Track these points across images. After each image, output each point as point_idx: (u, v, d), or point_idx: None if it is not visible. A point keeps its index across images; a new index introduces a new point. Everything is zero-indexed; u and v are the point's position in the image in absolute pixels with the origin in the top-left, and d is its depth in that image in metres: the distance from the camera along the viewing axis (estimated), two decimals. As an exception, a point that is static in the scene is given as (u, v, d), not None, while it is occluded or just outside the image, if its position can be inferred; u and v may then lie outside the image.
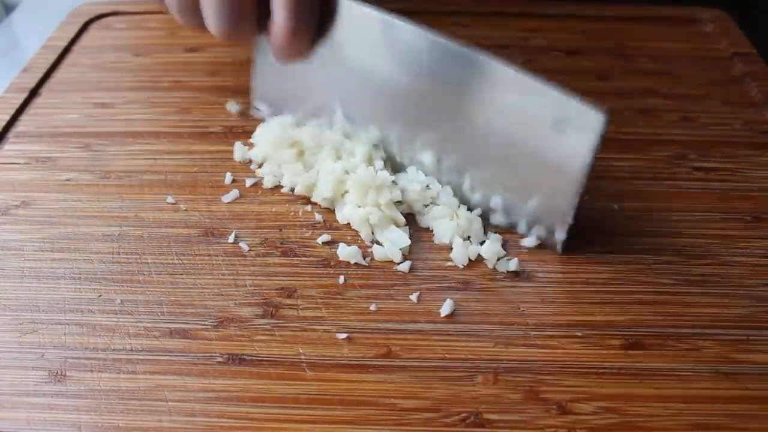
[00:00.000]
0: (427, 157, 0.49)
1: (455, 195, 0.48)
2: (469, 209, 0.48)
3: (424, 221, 0.48)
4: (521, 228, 0.47)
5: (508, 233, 0.47)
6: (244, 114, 0.58)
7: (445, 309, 0.42)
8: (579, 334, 0.41)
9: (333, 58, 0.47)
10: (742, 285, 0.44)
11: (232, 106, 0.58)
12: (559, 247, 0.45)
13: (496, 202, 0.47)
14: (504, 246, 0.46)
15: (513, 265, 0.44)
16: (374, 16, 0.44)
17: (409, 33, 0.44)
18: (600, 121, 0.40)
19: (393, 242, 0.46)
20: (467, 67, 0.44)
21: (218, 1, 0.43)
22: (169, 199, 0.50)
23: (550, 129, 0.42)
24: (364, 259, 0.45)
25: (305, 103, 0.52)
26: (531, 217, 0.46)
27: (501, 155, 0.45)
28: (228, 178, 0.51)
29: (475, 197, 0.48)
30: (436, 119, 0.47)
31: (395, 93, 0.47)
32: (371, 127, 0.50)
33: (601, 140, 0.41)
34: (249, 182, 0.51)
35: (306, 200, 0.50)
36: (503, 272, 0.44)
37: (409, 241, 0.46)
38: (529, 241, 0.46)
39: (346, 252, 0.45)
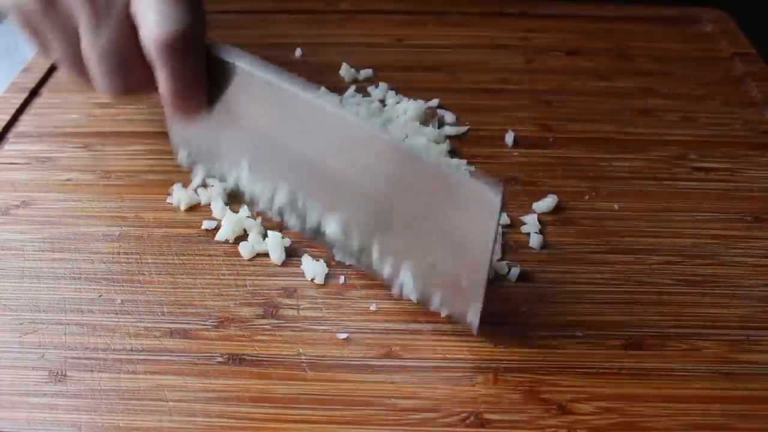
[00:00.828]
0: (332, 226, 0.44)
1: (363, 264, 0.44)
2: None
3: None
4: (434, 305, 0.42)
5: (508, 233, 0.47)
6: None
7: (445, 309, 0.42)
8: (579, 334, 0.41)
9: (229, 117, 0.45)
10: (742, 285, 0.44)
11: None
12: (474, 329, 0.40)
13: (406, 275, 0.42)
14: (504, 248, 0.46)
15: (514, 273, 0.44)
16: (261, 78, 0.42)
17: (296, 98, 0.41)
18: (496, 203, 0.35)
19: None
20: (359, 137, 0.39)
21: (102, 61, 0.41)
22: (170, 199, 0.50)
23: (451, 209, 0.37)
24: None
25: (216, 158, 0.49)
26: (443, 296, 0.41)
27: (407, 230, 0.41)
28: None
29: (386, 270, 0.43)
30: (335, 188, 0.42)
31: (292, 157, 0.43)
32: (278, 188, 0.46)
33: (498, 222, 0.36)
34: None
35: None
36: (503, 273, 0.44)
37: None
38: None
39: (311, 268, 0.44)
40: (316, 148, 0.42)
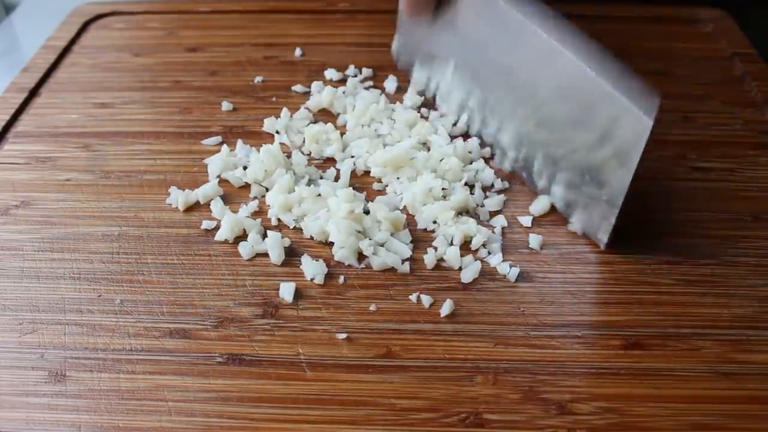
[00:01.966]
0: (506, 136, 0.52)
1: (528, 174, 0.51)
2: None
3: (422, 222, 0.48)
4: (572, 219, 0.48)
5: (510, 233, 0.47)
6: (241, 112, 0.58)
7: (445, 309, 0.42)
8: (579, 334, 0.41)
9: (449, 25, 0.54)
10: (742, 285, 0.44)
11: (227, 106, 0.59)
12: (602, 244, 0.46)
13: (557, 186, 0.48)
14: (505, 248, 0.46)
15: (514, 274, 0.44)
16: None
17: (513, 17, 0.47)
18: (646, 126, 0.40)
19: (396, 252, 0.45)
20: (551, 55, 0.45)
21: None
22: (169, 200, 0.50)
23: (605, 123, 0.43)
24: (359, 264, 0.45)
25: (429, 59, 0.58)
26: (582, 209, 0.47)
27: (568, 142, 0.46)
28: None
29: (541, 181, 0.50)
30: (519, 97, 0.50)
31: (492, 66, 0.51)
32: (472, 93, 0.54)
33: (648, 139, 0.41)
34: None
35: (306, 200, 0.50)
36: (503, 273, 0.44)
37: (410, 253, 0.46)
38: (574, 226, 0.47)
39: (310, 268, 0.44)
40: (514, 60, 0.49)
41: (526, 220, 0.48)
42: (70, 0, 0.74)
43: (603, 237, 0.46)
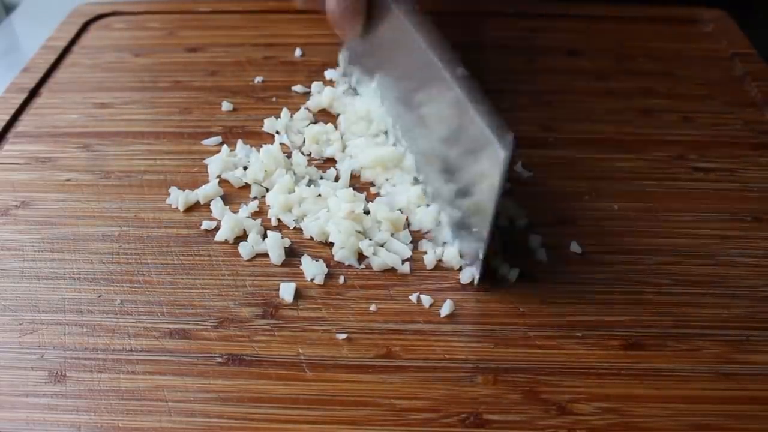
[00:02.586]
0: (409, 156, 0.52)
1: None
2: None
3: (416, 224, 0.48)
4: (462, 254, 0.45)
5: (510, 233, 0.47)
6: (241, 112, 0.58)
7: (445, 309, 0.42)
8: (579, 334, 0.41)
9: (375, 44, 0.56)
10: (742, 285, 0.44)
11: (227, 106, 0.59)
12: (475, 280, 0.44)
13: (444, 213, 0.47)
14: (505, 248, 0.46)
15: (514, 274, 0.44)
16: (400, 19, 0.50)
17: (414, 43, 0.48)
18: (502, 156, 0.38)
19: (396, 252, 0.45)
20: (439, 81, 0.45)
21: None
22: (169, 200, 0.50)
23: (471, 151, 0.42)
24: (359, 264, 0.45)
25: (365, 68, 0.59)
26: (462, 243, 0.45)
27: (442, 168, 0.47)
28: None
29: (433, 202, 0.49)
30: (420, 124, 0.50)
31: (402, 89, 0.52)
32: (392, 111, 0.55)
33: (506, 174, 0.38)
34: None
35: (306, 200, 0.50)
36: (503, 273, 0.44)
37: (410, 253, 0.46)
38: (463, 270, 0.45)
39: (310, 268, 0.44)
40: (412, 88, 0.51)
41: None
42: (70, 0, 0.74)
43: (475, 272, 0.43)
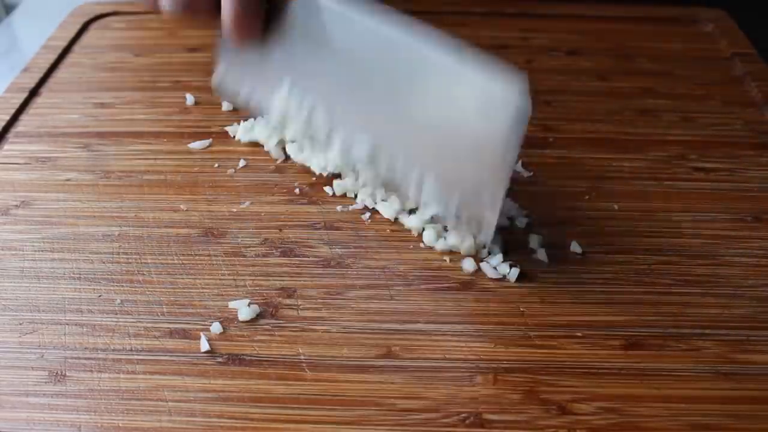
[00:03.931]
0: (364, 148, 0.48)
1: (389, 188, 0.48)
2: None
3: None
4: (450, 224, 0.46)
5: (510, 233, 0.47)
6: (241, 112, 0.58)
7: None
8: (579, 334, 0.41)
9: (284, 43, 0.48)
10: (742, 285, 0.44)
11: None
12: (485, 251, 0.44)
13: (427, 192, 0.45)
14: (505, 248, 0.46)
15: (514, 274, 0.44)
16: (323, 5, 0.45)
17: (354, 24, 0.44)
18: (519, 102, 0.37)
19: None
20: (403, 54, 0.43)
21: None
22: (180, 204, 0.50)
23: (476, 115, 0.41)
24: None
25: (259, 82, 0.52)
26: (460, 214, 0.45)
27: (433, 143, 0.44)
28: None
29: (412, 186, 0.47)
30: (377, 109, 0.46)
31: (342, 83, 0.47)
32: (313, 108, 0.50)
33: (524, 125, 0.38)
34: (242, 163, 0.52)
35: (306, 200, 0.50)
36: (503, 273, 0.44)
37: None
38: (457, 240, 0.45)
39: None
40: (354, 70, 0.45)
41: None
42: (70, 0, 0.74)
43: (486, 237, 0.44)
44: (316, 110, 0.49)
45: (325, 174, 0.51)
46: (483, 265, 0.44)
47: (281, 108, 0.51)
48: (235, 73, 0.53)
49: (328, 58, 0.46)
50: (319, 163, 0.51)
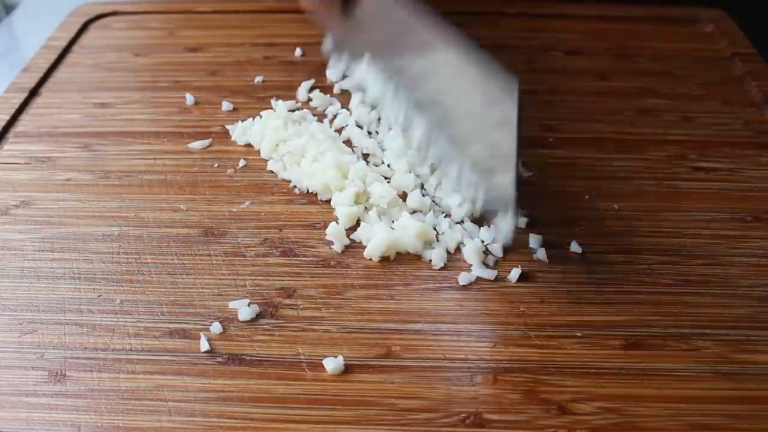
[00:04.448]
0: (416, 132, 0.52)
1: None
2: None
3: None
4: (476, 209, 0.48)
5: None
6: (241, 112, 0.58)
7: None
8: (579, 334, 0.41)
9: (362, 26, 0.57)
10: (742, 285, 0.44)
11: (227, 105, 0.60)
12: (507, 235, 0.45)
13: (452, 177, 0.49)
14: (506, 248, 0.46)
15: (514, 274, 0.44)
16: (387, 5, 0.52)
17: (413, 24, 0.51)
18: (513, 88, 0.41)
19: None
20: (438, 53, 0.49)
21: None
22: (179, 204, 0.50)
23: (483, 104, 0.44)
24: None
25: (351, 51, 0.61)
26: (484, 198, 0.47)
27: (455, 131, 0.48)
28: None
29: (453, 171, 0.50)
30: (424, 98, 0.51)
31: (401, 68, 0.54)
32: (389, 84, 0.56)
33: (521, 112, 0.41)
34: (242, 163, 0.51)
35: (306, 200, 0.50)
36: (503, 273, 0.44)
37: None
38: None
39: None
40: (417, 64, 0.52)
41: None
42: (70, 0, 0.74)
43: (504, 227, 0.45)
44: (386, 83, 0.56)
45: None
46: (478, 271, 0.44)
47: (361, 75, 0.58)
48: (337, 43, 0.62)
49: (389, 44, 0.55)
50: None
